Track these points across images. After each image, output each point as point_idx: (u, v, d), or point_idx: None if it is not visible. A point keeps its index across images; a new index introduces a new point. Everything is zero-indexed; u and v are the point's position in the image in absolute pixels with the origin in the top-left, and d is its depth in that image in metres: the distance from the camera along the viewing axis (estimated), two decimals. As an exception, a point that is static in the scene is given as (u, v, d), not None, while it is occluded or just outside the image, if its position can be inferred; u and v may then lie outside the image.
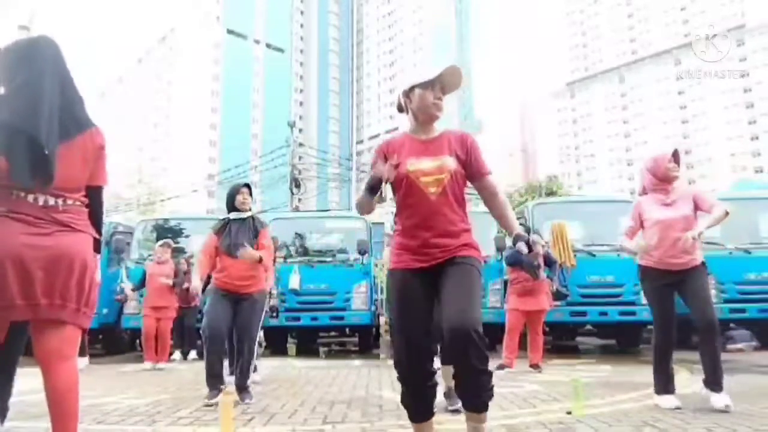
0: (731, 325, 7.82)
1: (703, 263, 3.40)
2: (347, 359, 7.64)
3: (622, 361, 6.68)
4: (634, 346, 8.36)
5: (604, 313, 7.29)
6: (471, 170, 2.13)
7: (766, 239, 7.37)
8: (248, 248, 3.70)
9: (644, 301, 6.79)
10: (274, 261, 7.06)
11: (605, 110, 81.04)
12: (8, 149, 1.68)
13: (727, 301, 6.92)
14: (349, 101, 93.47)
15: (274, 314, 7.12)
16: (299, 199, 19.81)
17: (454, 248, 2.03)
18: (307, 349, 9.02)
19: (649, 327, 7.78)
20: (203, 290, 4.03)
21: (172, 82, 71.61)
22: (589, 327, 9.44)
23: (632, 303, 7.13)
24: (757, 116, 65.65)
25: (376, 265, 8.96)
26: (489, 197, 2.16)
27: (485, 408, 1.95)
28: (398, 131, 2.23)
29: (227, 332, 3.84)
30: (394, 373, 2.09)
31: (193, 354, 7.54)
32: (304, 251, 8.53)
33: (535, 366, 5.60)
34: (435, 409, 2.12)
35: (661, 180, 3.51)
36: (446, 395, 3.31)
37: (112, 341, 8.91)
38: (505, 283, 6.66)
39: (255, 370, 4.30)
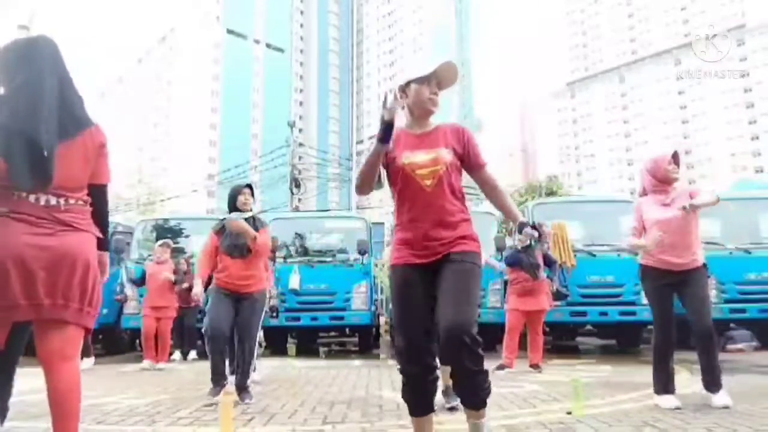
0: (731, 325, 7.82)
1: (704, 265, 3.41)
2: (347, 359, 7.64)
3: (622, 361, 6.68)
4: (634, 346, 8.36)
5: (604, 313, 7.29)
6: (469, 162, 2.16)
7: (766, 239, 7.36)
8: (241, 221, 3.76)
9: (644, 301, 6.81)
10: (274, 261, 7.08)
11: (605, 110, 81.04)
12: (7, 151, 1.68)
13: (727, 301, 6.92)
14: (349, 101, 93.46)
15: (274, 314, 7.12)
16: (299, 199, 19.84)
17: (453, 240, 2.03)
18: (307, 349, 9.02)
19: (649, 327, 7.79)
20: (205, 288, 4.05)
21: (172, 82, 71.62)
22: (589, 327, 9.44)
23: (632, 303, 7.13)
24: (758, 116, 65.64)
25: (376, 265, 8.96)
26: (490, 190, 2.20)
27: (483, 405, 1.98)
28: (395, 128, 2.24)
29: (229, 331, 3.86)
30: (394, 373, 2.10)
31: (193, 354, 7.54)
32: (304, 251, 8.53)
33: (535, 366, 5.60)
34: (435, 407, 2.13)
35: (661, 181, 3.52)
36: (444, 393, 3.31)
37: (112, 341, 8.91)
38: (505, 283, 6.66)
39: (255, 370, 4.31)
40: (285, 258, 8.17)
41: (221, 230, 3.91)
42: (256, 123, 74.46)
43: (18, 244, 1.68)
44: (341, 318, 7.99)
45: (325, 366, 6.38)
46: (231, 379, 3.93)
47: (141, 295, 7.31)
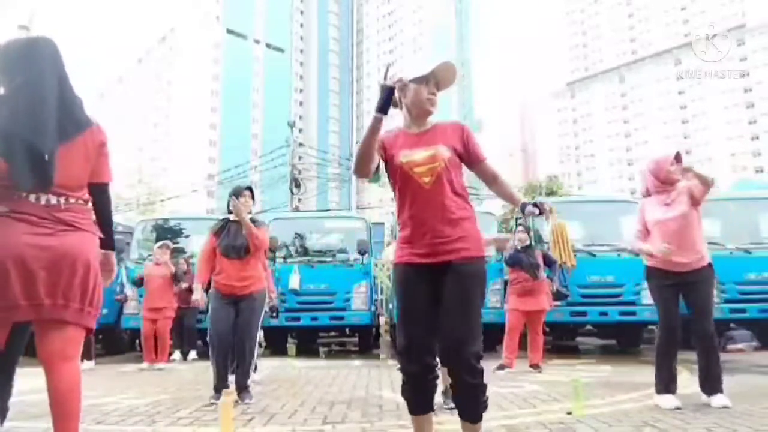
0: (731, 325, 7.82)
1: (710, 265, 3.41)
2: (347, 359, 7.64)
3: (622, 361, 6.68)
4: (634, 346, 8.37)
5: (605, 313, 7.29)
6: (469, 157, 2.16)
7: (766, 239, 7.36)
8: (238, 205, 3.79)
9: (644, 301, 6.82)
10: (274, 261, 7.07)
11: (605, 110, 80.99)
12: (7, 152, 1.68)
13: (727, 301, 6.91)
14: (349, 101, 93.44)
15: (274, 314, 7.12)
16: (299, 199, 19.83)
17: (454, 240, 2.02)
18: (307, 349, 9.01)
19: (650, 327, 7.80)
20: (206, 291, 4.05)
21: (172, 82, 71.58)
22: (589, 327, 9.44)
23: (632, 303, 7.14)
24: (758, 116, 65.60)
25: (376, 265, 8.96)
26: (491, 180, 2.20)
27: (479, 419, 1.98)
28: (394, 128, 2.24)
29: (231, 336, 3.86)
30: (394, 373, 2.10)
31: (193, 354, 7.54)
32: (304, 251, 8.52)
33: (535, 366, 5.60)
34: (435, 407, 2.13)
35: (663, 182, 3.51)
36: (443, 393, 3.31)
37: (112, 341, 8.91)
38: (505, 283, 6.65)
39: (255, 369, 4.31)
40: (285, 258, 8.17)
41: (219, 231, 3.92)
42: (256, 123, 74.42)
43: (18, 243, 1.68)
44: (341, 318, 7.99)
45: (325, 366, 6.38)
46: (231, 379, 3.93)
47: (141, 296, 7.30)
